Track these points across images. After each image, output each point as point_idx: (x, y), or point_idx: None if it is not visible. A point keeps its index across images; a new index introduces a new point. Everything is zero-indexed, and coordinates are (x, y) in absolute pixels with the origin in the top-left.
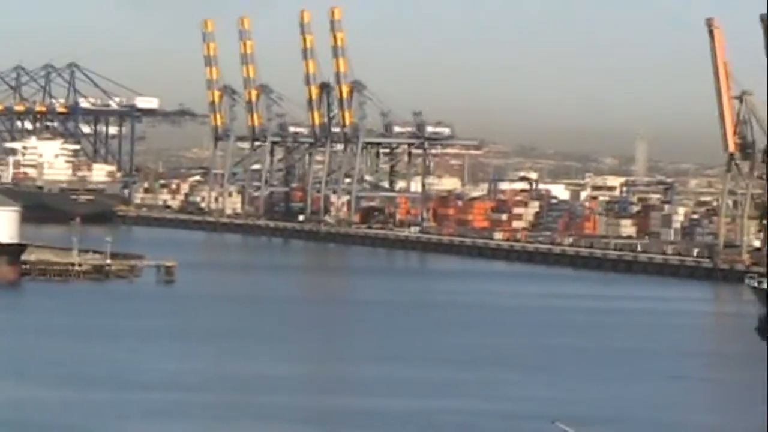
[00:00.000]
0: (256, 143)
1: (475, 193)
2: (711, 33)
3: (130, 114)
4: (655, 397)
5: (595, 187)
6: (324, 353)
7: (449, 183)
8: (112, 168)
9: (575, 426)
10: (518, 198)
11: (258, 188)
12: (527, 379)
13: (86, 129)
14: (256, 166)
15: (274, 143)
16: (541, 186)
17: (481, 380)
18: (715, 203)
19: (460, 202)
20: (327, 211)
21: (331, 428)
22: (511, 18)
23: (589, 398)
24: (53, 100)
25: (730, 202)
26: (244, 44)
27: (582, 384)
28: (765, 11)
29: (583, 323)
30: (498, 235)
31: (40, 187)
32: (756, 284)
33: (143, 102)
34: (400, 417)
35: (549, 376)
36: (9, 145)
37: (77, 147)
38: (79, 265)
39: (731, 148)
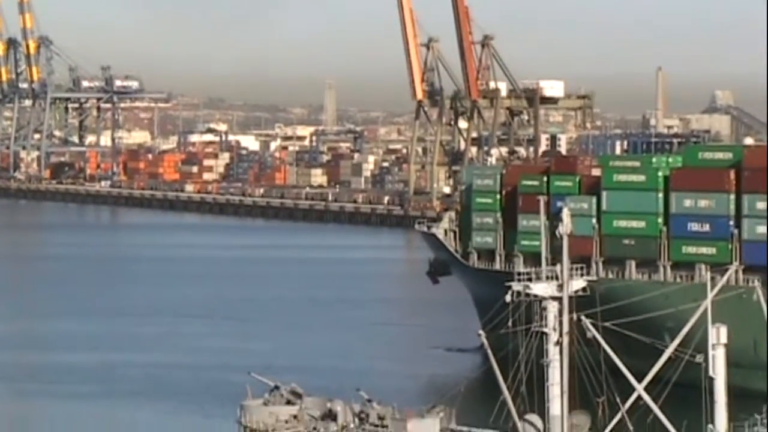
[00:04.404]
0: None
1: (165, 146)
2: None
3: None
4: (351, 345)
5: (285, 138)
6: (12, 310)
7: (139, 136)
8: None
9: (270, 376)
10: (208, 150)
11: None
12: (223, 330)
13: None
14: None
15: None
16: (231, 137)
17: (172, 333)
18: (404, 151)
19: (150, 156)
20: (17, 167)
21: (17, 384)
22: None
23: (287, 348)
24: None
25: (420, 150)
26: None
27: (281, 334)
28: None
29: (277, 274)
30: (189, 188)
31: None
32: (425, 229)
33: None
34: (86, 371)
35: (247, 328)
36: None
37: None
38: None
39: (419, 95)
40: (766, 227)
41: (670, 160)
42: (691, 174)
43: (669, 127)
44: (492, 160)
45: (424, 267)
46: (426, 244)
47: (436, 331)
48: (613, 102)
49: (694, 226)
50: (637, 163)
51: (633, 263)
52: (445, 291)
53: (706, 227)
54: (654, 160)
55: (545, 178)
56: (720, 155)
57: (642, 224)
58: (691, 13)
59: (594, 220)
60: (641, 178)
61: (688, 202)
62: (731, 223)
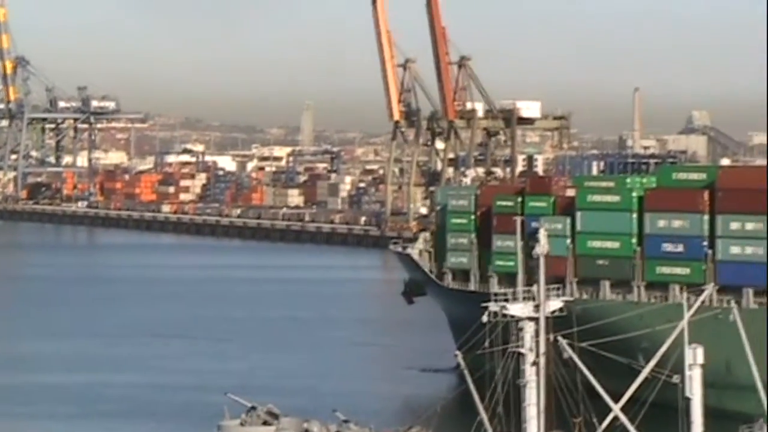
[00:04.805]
0: None
1: (142, 167)
2: (374, 2)
3: None
4: (327, 365)
5: (262, 158)
6: None
7: (116, 157)
8: None
9: (247, 397)
10: (185, 170)
11: None
12: (200, 350)
13: None
14: None
15: None
16: (208, 158)
17: (149, 353)
18: (381, 171)
19: (127, 176)
20: None
21: None
22: None
23: (264, 368)
24: None
25: (397, 170)
26: None
27: (257, 354)
28: None
29: (254, 294)
30: (166, 208)
31: None
32: (400, 250)
33: None
34: (62, 392)
35: (224, 348)
36: None
37: None
38: None
39: (396, 116)
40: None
41: (645, 180)
42: (665, 194)
43: (645, 148)
44: (467, 180)
45: (400, 287)
46: (401, 264)
47: (412, 352)
48: (590, 123)
49: (668, 247)
50: (611, 184)
51: (607, 283)
52: (420, 311)
53: (680, 248)
54: (628, 180)
55: (520, 199)
56: (694, 176)
57: (616, 245)
58: (668, 34)
59: (568, 241)
60: (615, 198)
61: (662, 223)
62: (705, 243)
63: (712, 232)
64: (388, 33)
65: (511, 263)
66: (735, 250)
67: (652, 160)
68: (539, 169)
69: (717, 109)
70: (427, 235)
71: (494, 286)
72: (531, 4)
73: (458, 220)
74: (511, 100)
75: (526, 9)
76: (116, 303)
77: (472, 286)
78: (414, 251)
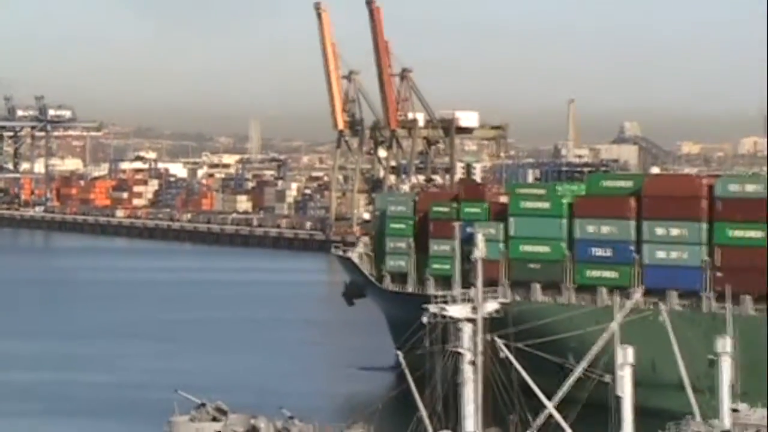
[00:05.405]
0: None
1: (97, 173)
2: (319, 16)
3: None
4: (273, 364)
5: (212, 165)
6: None
7: (72, 164)
8: None
9: (196, 394)
10: (138, 177)
11: None
12: (150, 351)
13: None
14: None
15: None
16: (160, 165)
17: (103, 353)
18: (326, 178)
19: (82, 182)
20: None
21: None
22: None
23: (213, 367)
24: None
25: (341, 177)
26: None
27: (207, 354)
28: None
29: (203, 296)
30: (119, 213)
31: None
32: (341, 253)
33: None
34: (17, 390)
35: (175, 347)
36: None
37: None
38: None
39: (341, 125)
40: None
41: (574, 188)
42: (593, 201)
43: (579, 157)
44: (405, 187)
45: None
46: (342, 267)
47: (352, 351)
48: (527, 132)
49: (597, 251)
50: (542, 191)
51: (538, 286)
52: (360, 312)
53: (609, 252)
54: (558, 188)
55: (455, 205)
56: (621, 183)
57: (547, 249)
58: (602, 49)
59: (501, 245)
60: (546, 205)
61: (591, 228)
62: (632, 248)
63: (639, 238)
64: (332, 45)
65: (447, 266)
66: (661, 254)
67: (585, 169)
68: (477, 176)
69: (647, 120)
70: (367, 239)
71: (431, 289)
72: (470, 19)
73: (397, 225)
74: (450, 110)
75: (465, 23)
76: (70, 304)
77: (410, 288)
78: (354, 255)
